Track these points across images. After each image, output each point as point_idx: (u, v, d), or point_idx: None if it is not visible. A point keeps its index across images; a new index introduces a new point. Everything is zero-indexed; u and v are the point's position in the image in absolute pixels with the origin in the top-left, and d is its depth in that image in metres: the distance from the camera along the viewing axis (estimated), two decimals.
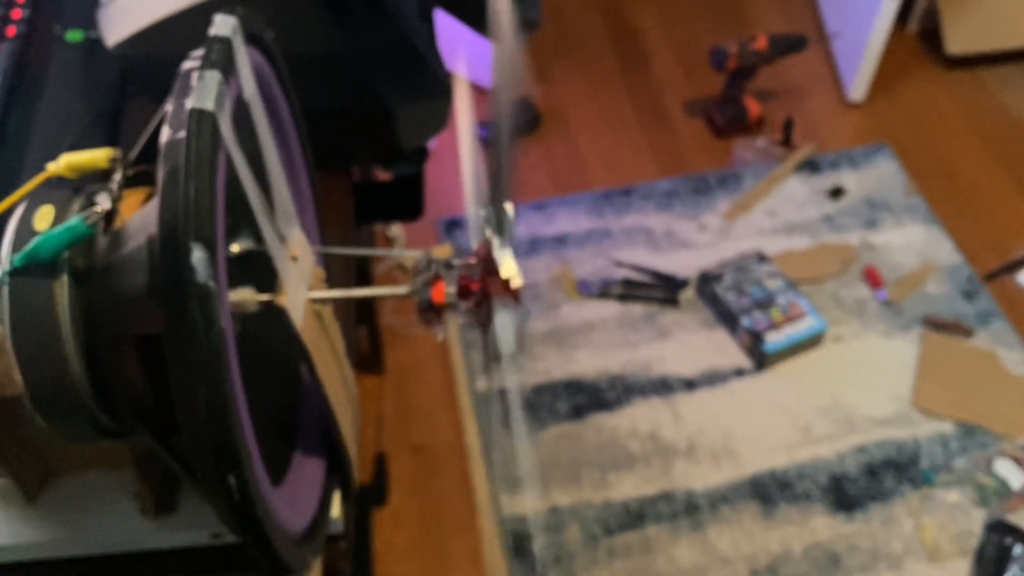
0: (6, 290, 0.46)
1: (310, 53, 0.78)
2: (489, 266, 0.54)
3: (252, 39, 0.51)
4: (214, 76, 0.42)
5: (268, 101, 0.58)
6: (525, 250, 1.84)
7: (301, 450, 0.59)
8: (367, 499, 1.63)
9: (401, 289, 0.55)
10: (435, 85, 0.85)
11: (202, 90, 0.41)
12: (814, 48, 2.10)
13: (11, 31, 0.91)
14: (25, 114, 0.85)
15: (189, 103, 0.41)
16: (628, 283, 1.74)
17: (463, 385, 1.68)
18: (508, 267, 0.55)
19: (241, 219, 0.51)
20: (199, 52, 0.44)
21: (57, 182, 0.52)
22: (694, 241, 1.82)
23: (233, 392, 0.40)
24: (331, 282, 0.70)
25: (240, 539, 0.43)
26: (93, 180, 0.52)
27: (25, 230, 0.47)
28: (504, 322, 0.54)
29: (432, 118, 0.86)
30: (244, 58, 0.47)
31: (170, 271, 0.38)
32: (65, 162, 0.50)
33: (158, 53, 0.79)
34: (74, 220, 0.45)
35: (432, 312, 0.55)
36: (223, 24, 0.45)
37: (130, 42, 0.78)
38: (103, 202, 0.46)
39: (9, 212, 0.49)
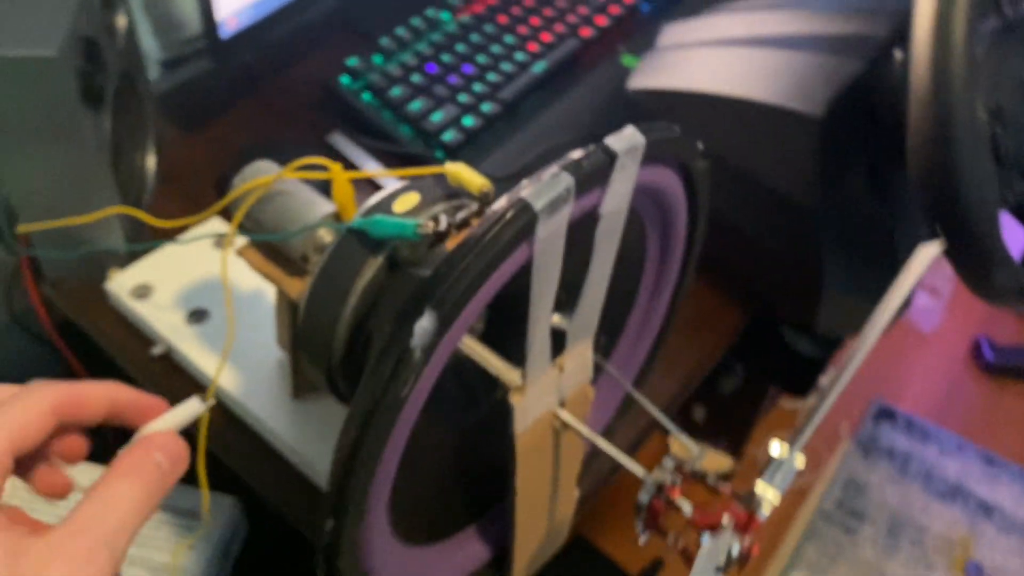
0: (339, 238, 0.51)
1: (774, 192, 0.73)
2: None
3: (665, 159, 0.49)
4: (565, 181, 0.41)
5: (662, 223, 0.55)
6: (940, 492, 1.59)
7: (479, 528, 0.57)
8: None
9: (637, 470, 0.50)
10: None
11: (543, 188, 0.40)
12: None
13: (585, 31, 0.98)
14: (542, 102, 0.92)
15: (525, 192, 0.40)
16: None
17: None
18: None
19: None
20: (580, 152, 0.43)
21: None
22: None
23: (379, 456, 0.40)
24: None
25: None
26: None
27: (384, 203, 0.51)
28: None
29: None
30: (627, 177, 0.45)
31: (398, 318, 0.38)
32: (454, 169, 0.53)
33: (662, 117, 0.80)
34: (410, 222, 0.48)
35: (648, 518, 0.49)
36: (623, 139, 0.44)
37: (647, 93, 0.80)
38: (441, 222, 0.48)
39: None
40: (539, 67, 0.94)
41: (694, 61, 0.80)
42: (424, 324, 0.38)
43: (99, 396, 0.38)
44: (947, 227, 0.63)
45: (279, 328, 0.61)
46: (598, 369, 0.57)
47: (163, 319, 0.72)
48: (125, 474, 0.36)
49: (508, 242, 0.39)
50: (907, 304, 0.87)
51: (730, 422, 1.55)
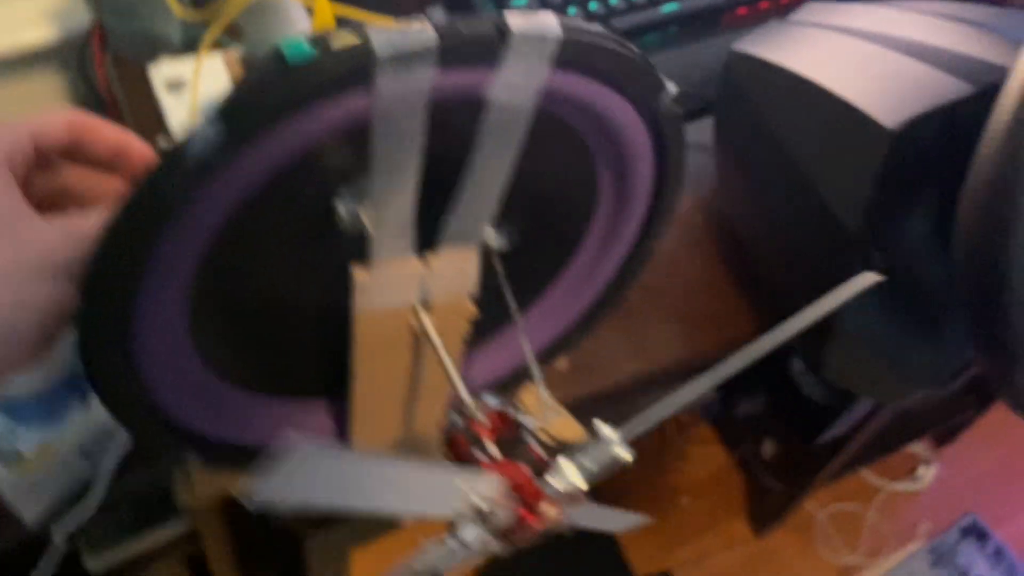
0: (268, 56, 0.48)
1: (824, 202, 0.64)
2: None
3: (609, 78, 0.43)
4: (425, 36, 0.36)
5: (617, 165, 0.49)
6: None
7: (332, 402, 0.54)
8: None
9: (467, 400, 0.45)
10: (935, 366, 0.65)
11: (395, 35, 0.35)
12: None
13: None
14: (655, 45, 0.85)
15: (373, 33, 0.36)
16: None
17: None
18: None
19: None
20: (482, 19, 0.37)
21: None
22: None
23: (136, 260, 0.37)
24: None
25: None
26: None
27: (324, 36, 0.47)
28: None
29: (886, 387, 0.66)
30: (530, 70, 0.39)
31: (195, 125, 0.35)
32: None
33: (750, 86, 0.72)
34: (301, 42, 0.44)
35: (451, 447, 0.44)
36: (528, 21, 0.38)
37: (742, 57, 0.72)
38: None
39: None
40: (670, 8, 0.86)
41: (805, 41, 0.70)
42: (207, 132, 0.35)
43: (114, 132, 0.42)
44: (982, 307, 0.53)
45: None
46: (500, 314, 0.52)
47: (180, 117, 0.72)
48: None
49: (330, 79, 0.35)
50: None
51: (799, 468, 1.44)
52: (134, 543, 0.98)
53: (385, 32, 0.36)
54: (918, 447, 1.71)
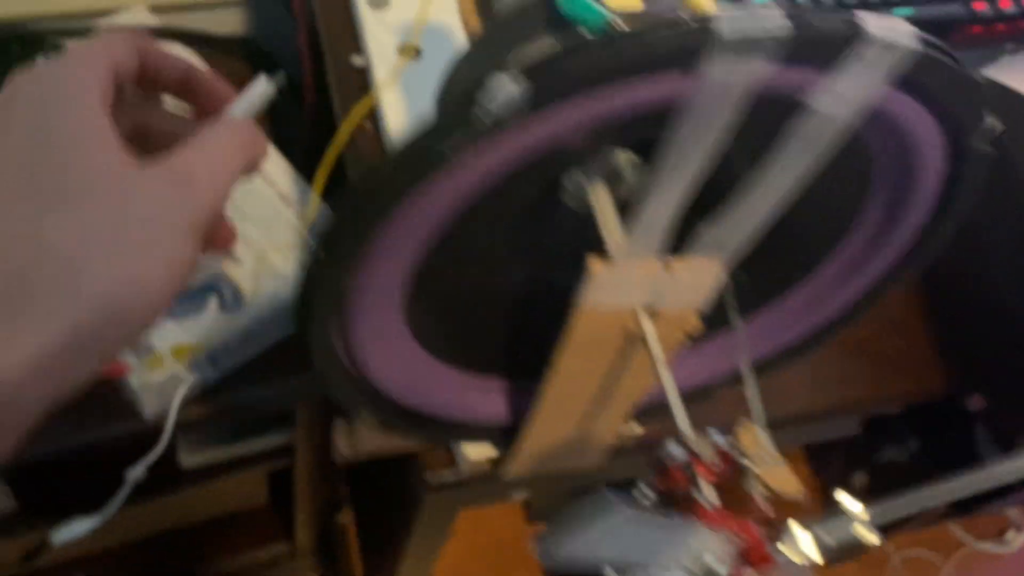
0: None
1: None
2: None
3: (935, 101, 0.37)
4: (775, 22, 0.30)
5: (896, 184, 0.43)
6: None
7: (513, 388, 0.50)
8: None
9: (685, 428, 0.40)
10: None
11: (744, 17, 0.30)
12: None
13: (979, 5, 0.81)
14: None
15: (717, 11, 0.30)
16: None
17: None
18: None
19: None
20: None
21: None
22: None
23: (394, 208, 0.33)
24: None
25: None
26: None
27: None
28: None
29: None
30: (867, 79, 0.33)
31: (477, 70, 0.31)
32: None
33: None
34: (603, 12, 0.39)
35: (659, 478, 0.39)
36: (887, 26, 0.32)
37: (989, 83, 0.65)
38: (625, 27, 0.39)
39: None
40: (901, 12, 0.78)
41: None
42: (511, 89, 0.30)
43: (179, 60, 0.35)
44: None
45: None
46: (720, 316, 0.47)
47: (378, 35, 0.68)
48: (229, 130, 0.32)
49: (664, 55, 0.30)
50: None
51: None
52: (228, 449, 0.99)
53: (733, 11, 0.30)
54: (1012, 510, 1.62)
